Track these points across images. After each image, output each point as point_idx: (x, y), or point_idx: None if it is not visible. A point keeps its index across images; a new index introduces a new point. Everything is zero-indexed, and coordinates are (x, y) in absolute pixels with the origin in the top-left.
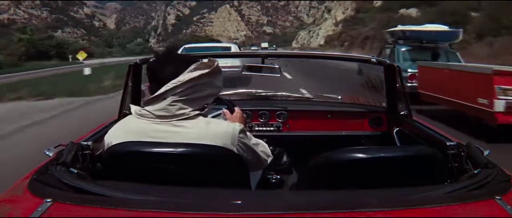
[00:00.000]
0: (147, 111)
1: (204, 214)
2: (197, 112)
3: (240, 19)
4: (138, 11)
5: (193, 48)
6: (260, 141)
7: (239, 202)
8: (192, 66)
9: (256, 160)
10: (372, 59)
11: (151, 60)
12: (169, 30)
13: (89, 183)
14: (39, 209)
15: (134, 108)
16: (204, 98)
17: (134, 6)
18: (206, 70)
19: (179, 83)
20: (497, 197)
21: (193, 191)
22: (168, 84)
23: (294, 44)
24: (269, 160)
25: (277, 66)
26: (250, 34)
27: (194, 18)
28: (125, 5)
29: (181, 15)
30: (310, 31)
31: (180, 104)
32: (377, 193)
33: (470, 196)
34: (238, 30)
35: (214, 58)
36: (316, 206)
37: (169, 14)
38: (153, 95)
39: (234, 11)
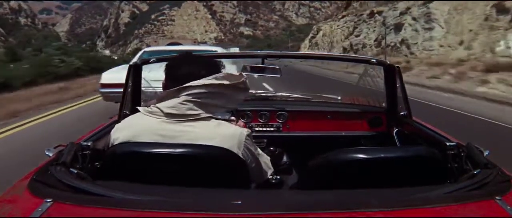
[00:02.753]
0: (158, 108)
1: (204, 214)
2: (209, 115)
3: (210, 17)
4: (96, 10)
5: (157, 52)
6: (263, 154)
7: (239, 202)
8: (221, 74)
9: (258, 170)
10: (372, 60)
11: (172, 58)
12: (121, 31)
13: (89, 183)
14: (39, 209)
15: (142, 108)
16: (218, 108)
17: (91, 5)
18: (227, 82)
19: (197, 85)
20: (497, 198)
21: (193, 191)
22: (186, 84)
23: (306, 49)
24: (270, 172)
25: (277, 66)
26: (223, 37)
27: (152, 16)
28: (84, 4)
29: (137, 12)
30: (361, 17)
31: (191, 105)
32: (377, 193)
33: (470, 196)
34: (206, 31)
35: (243, 74)
36: (316, 206)
37: (122, 12)
38: (167, 91)
39: (203, 7)
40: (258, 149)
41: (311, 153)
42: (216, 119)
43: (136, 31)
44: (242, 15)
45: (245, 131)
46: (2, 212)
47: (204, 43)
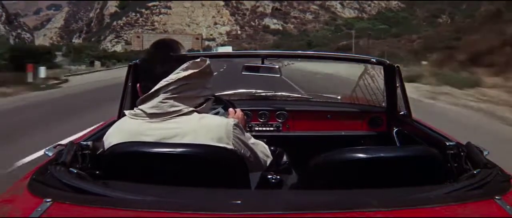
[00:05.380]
0: (140, 110)
1: (204, 214)
2: (191, 109)
3: (222, 4)
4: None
5: None
6: (260, 142)
7: (239, 202)
8: (185, 65)
9: (255, 160)
10: (372, 59)
11: (142, 59)
12: (104, 23)
13: (89, 183)
14: (39, 209)
15: (127, 111)
16: (196, 98)
17: None
18: (197, 70)
19: (171, 81)
20: (496, 197)
21: (193, 191)
22: (161, 82)
23: None
24: (269, 161)
25: (276, 66)
26: (239, 31)
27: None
28: None
29: None
30: None
31: (171, 102)
32: (377, 193)
33: (470, 196)
34: (216, 24)
35: (206, 58)
36: (316, 206)
37: None
38: (146, 94)
39: None
40: (252, 138)
41: (311, 153)
42: (198, 112)
43: (114, 23)
44: (268, 3)
45: (232, 121)
46: (2, 212)
47: (212, 39)
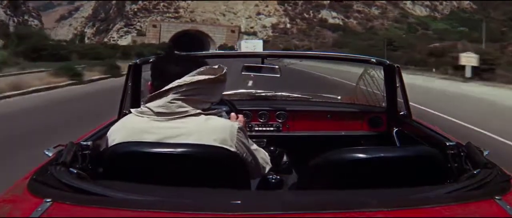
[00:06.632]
0: (148, 108)
1: (204, 214)
2: (198, 111)
3: None
4: None
5: None
6: (261, 149)
7: (239, 202)
8: (202, 69)
9: (256, 165)
10: (372, 60)
11: (157, 57)
12: (125, 12)
13: (89, 183)
14: (39, 209)
15: (134, 109)
16: (204, 102)
17: None
18: (212, 76)
19: (184, 83)
20: (496, 197)
21: (193, 191)
22: (174, 82)
23: None
24: (268, 168)
25: (276, 66)
26: (288, 24)
27: None
28: None
29: None
30: None
31: (179, 103)
32: (377, 193)
33: (470, 196)
34: (259, 14)
35: (224, 67)
36: (316, 206)
37: None
38: (157, 92)
39: None
40: (254, 144)
41: (311, 153)
42: (205, 114)
43: (126, 9)
44: None
45: (236, 124)
46: (2, 212)
47: (253, 34)
